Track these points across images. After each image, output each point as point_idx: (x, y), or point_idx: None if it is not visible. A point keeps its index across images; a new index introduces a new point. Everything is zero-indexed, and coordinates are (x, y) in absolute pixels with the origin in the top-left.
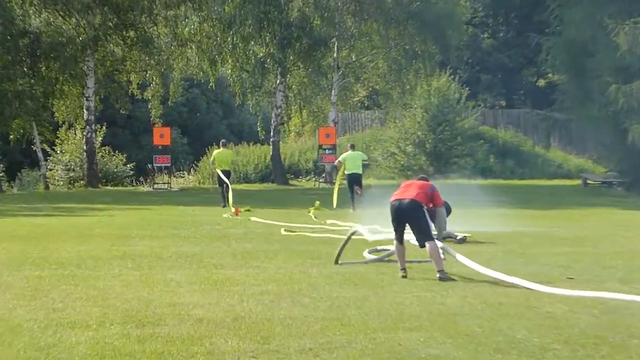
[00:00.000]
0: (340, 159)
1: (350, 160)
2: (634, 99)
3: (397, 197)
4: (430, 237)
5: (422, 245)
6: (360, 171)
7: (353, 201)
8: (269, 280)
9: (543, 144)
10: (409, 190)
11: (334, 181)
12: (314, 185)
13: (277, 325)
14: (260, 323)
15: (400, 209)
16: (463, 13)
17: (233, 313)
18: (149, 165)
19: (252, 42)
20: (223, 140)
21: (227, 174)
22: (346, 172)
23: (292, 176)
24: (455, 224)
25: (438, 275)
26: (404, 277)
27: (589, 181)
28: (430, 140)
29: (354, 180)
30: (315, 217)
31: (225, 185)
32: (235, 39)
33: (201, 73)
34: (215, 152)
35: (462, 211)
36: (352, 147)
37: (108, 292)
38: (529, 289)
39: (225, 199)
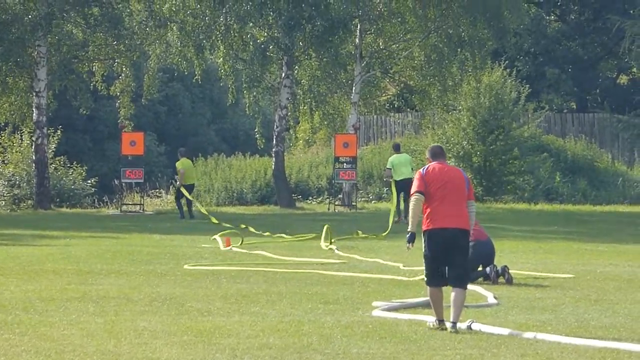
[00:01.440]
0: (389, 165)
1: (400, 164)
2: None
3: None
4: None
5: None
6: (412, 176)
7: (400, 211)
8: (271, 331)
9: (625, 159)
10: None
11: (353, 204)
12: (328, 209)
13: None
14: None
15: (448, 236)
16: None
17: None
18: (116, 181)
19: (251, 24)
20: (182, 149)
21: (191, 188)
22: (396, 179)
23: (300, 197)
24: (509, 261)
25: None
26: (443, 329)
27: None
28: (478, 153)
29: (406, 187)
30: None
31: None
32: (228, 18)
33: (184, 63)
34: (181, 163)
35: (520, 244)
36: (398, 147)
37: (63, 344)
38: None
39: (187, 210)
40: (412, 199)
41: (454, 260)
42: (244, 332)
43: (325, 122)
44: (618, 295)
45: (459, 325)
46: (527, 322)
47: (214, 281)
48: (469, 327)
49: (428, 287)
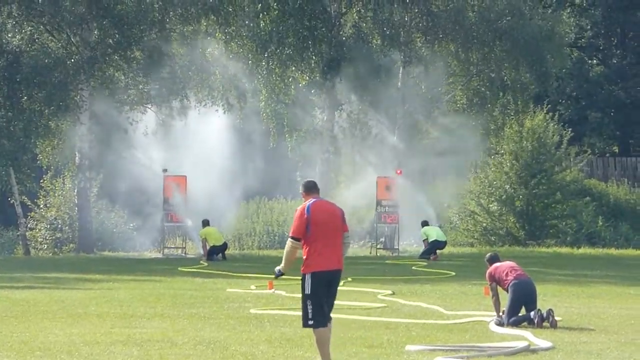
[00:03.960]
0: (422, 234)
1: (433, 230)
2: None
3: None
4: None
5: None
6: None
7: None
8: None
9: None
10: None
11: (395, 247)
12: (369, 253)
13: None
14: None
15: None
16: (566, 32)
17: None
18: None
19: (293, 67)
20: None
21: (222, 247)
22: (431, 239)
23: None
24: (552, 305)
25: None
26: None
27: None
28: (521, 196)
29: (439, 247)
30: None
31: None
32: (271, 62)
33: (226, 106)
34: (204, 232)
35: (563, 289)
36: (426, 223)
37: None
38: None
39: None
40: (289, 243)
41: (330, 298)
42: None
43: (368, 165)
44: None
45: None
46: None
47: (257, 325)
48: None
49: (315, 329)
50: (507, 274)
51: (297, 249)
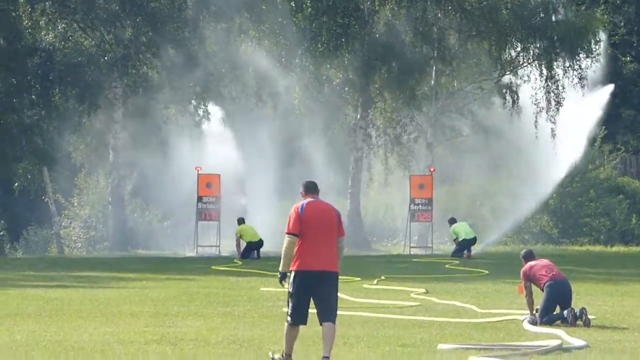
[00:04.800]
0: (452, 233)
1: (461, 228)
2: None
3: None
4: None
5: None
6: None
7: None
8: None
9: None
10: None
11: (429, 245)
12: (403, 251)
13: None
14: None
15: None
16: (600, 29)
17: None
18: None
19: (327, 65)
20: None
21: (257, 244)
22: (460, 239)
23: (375, 239)
24: (585, 303)
25: None
26: None
27: None
28: (554, 195)
29: (470, 244)
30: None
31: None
32: (304, 60)
33: (259, 103)
34: (239, 230)
35: (597, 287)
36: (453, 220)
37: None
38: None
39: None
40: (286, 240)
41: (323, 297)
42: None
43: (401, 164)
44: None
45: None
46: None
47: None
48: None
49: (288, 324)
50: (543, 274)
51: (294, 245)
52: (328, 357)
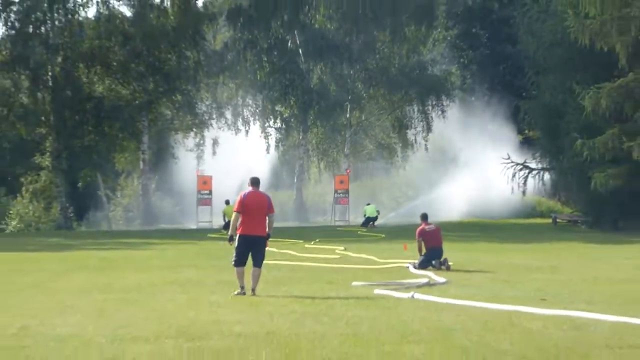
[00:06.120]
0: (363, 212)
1: (370, 209)
2: (595, 152)
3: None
4: None
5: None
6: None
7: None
8: (295, 302)
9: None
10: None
11: (347, 220)
12: (331, 223)
13: (303, 340)
14: (289, 337)
15: (252, 239)
16: (454, 81)
17: (266, 329)
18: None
19: (279, 104)
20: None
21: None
22: (367, 215)
23: (312, 215)
24: (449, 255)
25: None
26: (244, 294)
27: (558, 220)
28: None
29: (373, 220)
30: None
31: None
32: (265, 101)
33: (236, 131)
34: (228, 209)
35: (454, 245)
36: (368, 204)
37: (163, 312)
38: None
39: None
40: (234, 215)
41: (255, 251)
42: (278, 302)
43: (328, 168)
44: (516, 277)
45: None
46: (461, 294)
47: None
48: (412, 297)
49: (236, 267)
50: (429, 239)
51: (238, 218)
52: (254, 290)
